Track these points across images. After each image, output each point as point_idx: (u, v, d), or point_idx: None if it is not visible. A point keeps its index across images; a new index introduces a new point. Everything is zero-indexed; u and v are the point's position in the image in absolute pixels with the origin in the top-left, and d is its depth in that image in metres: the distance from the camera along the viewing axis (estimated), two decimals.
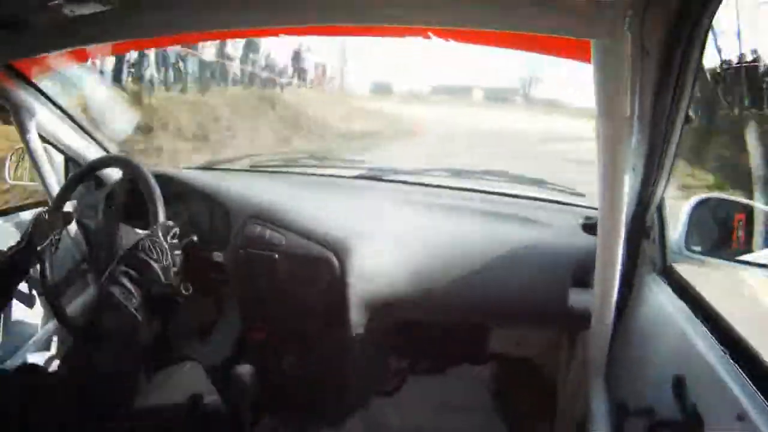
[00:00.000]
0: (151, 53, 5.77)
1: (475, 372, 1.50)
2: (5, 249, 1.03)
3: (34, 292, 1.25)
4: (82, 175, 1.22)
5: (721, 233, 0.97)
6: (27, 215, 1.33)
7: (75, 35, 0.77)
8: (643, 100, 0.71)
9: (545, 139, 6.30)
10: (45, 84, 1.18)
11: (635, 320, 0.95)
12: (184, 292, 1.24)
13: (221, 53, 6.72)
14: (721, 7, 0.59)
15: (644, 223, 0.93)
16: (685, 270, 0.89)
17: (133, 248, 0.86)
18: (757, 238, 0.93)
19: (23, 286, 1.20)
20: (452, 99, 9.08)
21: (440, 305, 1.14)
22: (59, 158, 1.35)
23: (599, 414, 0.88)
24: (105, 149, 1.38)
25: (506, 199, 1.32)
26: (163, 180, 1.12)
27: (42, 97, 1.20)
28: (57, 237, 1.10)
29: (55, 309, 1.15)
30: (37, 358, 1.24)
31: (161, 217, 1.01)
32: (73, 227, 1.36)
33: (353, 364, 1.25)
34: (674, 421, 0.69)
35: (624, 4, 0.51)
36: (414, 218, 1.23)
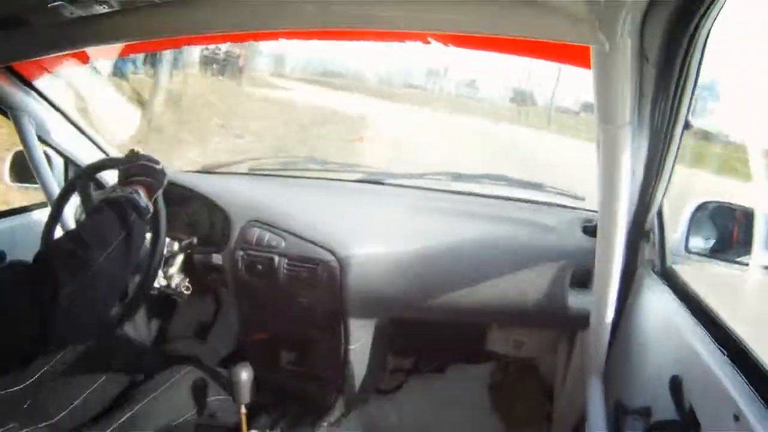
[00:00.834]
0: None
1: (475, 372, 1.51)
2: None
3: None
4: (81, 177, 1.22)
5: (721, 236, 0.98)
6: (27, 217, 1.33)
7: (75, 36, 0.77)
8: (643, 106, 0.72)
9: None
10: (44, 86, 1.17)
11: (634, 321, 0.95)
12: (184, 292, 1.25)
13: None
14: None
15: (644, 227, 0.93)
16: (684, 271, 0.90)
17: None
18: (755, 241, 0.94)
19: None
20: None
21: (440, 307, 1.15)
22: (59, 161, 1.34)
23: (597, 414, 0.89)
24: (104, 151, 1.38)
25: (506, 202, 1.33)
26: None
27: (41, 99, 1.19)
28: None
29: None
30: None
31: (163, 219, 1.01)
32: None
33: (353, 365, 1.25)
34: (671, 421, 0.70)
35: (624, 10, 0.51)
36: (414, 221, 1.23)
